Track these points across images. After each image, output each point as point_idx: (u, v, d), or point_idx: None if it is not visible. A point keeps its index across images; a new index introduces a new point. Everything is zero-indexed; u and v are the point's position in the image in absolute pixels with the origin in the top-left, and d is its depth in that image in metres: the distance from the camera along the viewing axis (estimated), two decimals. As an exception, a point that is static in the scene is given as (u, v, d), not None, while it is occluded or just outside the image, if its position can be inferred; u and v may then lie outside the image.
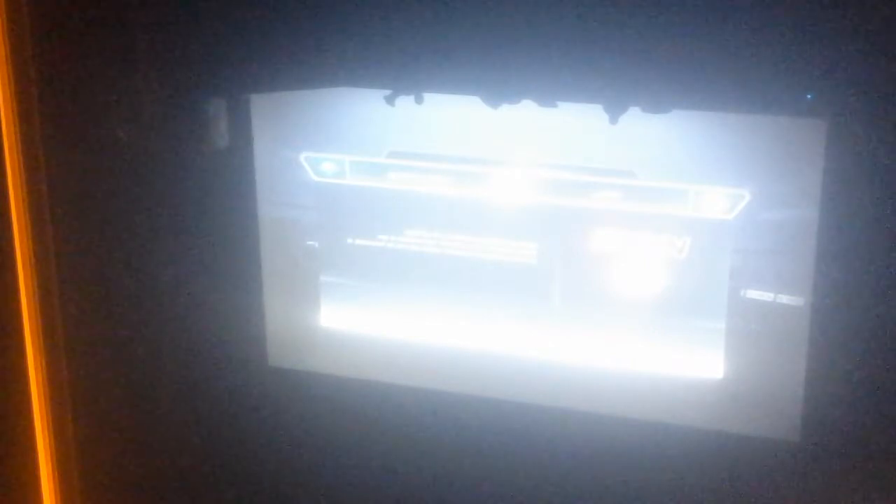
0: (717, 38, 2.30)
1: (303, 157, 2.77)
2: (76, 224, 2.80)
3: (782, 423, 2.54)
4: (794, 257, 2.45)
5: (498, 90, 2.49)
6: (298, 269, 2.86)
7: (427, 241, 2.74)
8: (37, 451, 2.82)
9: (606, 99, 2.42)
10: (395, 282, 2.80)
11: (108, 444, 2.97)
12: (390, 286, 2.81)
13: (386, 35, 2.50)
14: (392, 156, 2.70)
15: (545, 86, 2.46)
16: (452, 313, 2.77)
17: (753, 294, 2.52)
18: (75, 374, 2.87)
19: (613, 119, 2.43)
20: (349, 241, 2.80)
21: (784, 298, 2.50)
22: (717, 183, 2.48)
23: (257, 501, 3.00)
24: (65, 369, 2.84)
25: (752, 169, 2.44)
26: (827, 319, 2.43)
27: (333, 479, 2.92)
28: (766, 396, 2.56)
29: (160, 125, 2.77)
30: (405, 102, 2.57)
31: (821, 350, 2.46)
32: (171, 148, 2.78)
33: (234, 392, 2.94)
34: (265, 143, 2.79)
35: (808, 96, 2.32)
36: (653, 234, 2.57)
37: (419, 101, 2.56)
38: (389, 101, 2.57)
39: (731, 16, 2.28)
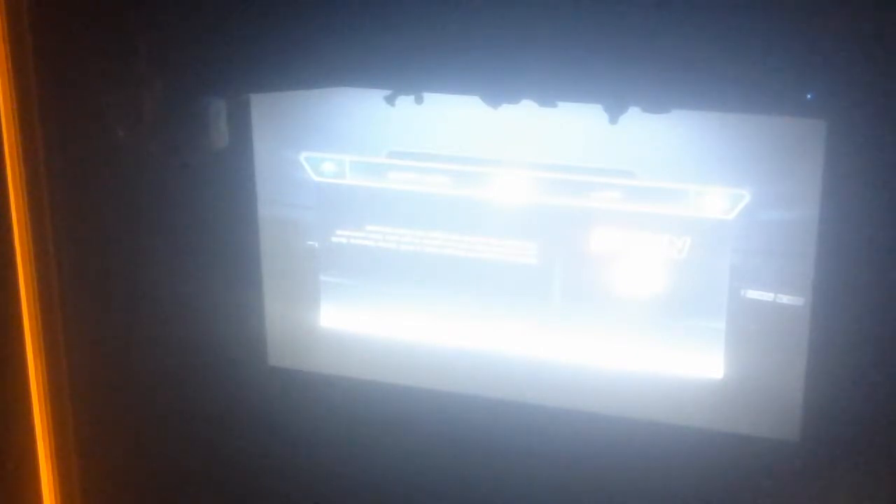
0: (717, 38, 2.30)
1: (303, 157, 2.77)
2: (76, 224, 2.80)
3: (782, 423, 2.54)
4: (794, 257, 2.45)
5: (498, 90, 2.49)
6: (298, 269, 2.86)
7: (427, 241, 2.74)
8: (37, 451, 2.82)
9: (606, 99, 2.42)
10: (395, 282, 2.80)
11: (108, 444, 2.98)
12: (390, 286, 2.81)
13: (386, 35, 2.50)
14: (392, 156, 2.70)
15: (545, 86, 2.46)
16: (452, 313, 2.77)
17: (753, 294, 2.52)
18: (75, 374, 2.87)
19: (613, 119, 2.43)
20: (349, 240, 2.80)
21: (784, 298, 2.50)
22: (717, 183, 2.48)
23: (257, 501, 3.00)
24: (65, 369, 2.84)
25: (752, 169, 2.44)
26: (827, 319, 2.43)
27: (333, 479, 2.92)
28: (766, 396, 2.56)
29: (160, 125, 2.77)
30: (405, 102, 2.57)
31: (821, 350, 2.46)
32: (171, 148, 2.78)
33: (234, 392, 2.94)
34: (265, 143, 2.79)
35: (808, 96, 2.32)
36: (653, 234, 2.57)
37: (419, 101, 2.56)
38: (389, 101, 2.57)
39: (731, 16, 2.28)
